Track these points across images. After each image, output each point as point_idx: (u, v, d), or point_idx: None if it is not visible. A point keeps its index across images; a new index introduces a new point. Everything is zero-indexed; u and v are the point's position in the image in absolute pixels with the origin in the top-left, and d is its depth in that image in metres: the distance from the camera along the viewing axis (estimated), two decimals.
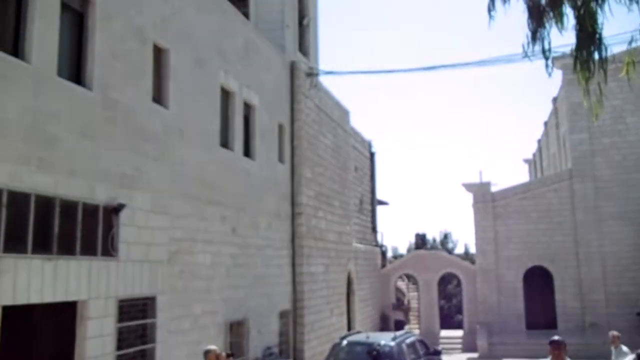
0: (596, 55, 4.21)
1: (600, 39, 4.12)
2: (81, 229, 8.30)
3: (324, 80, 19.84)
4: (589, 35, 4.09)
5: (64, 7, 8.40)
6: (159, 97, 10.65)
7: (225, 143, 13.21)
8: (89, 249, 8.47)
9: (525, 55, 4.37)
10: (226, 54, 13.38)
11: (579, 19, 4.12)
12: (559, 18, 4.23)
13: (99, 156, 8.76)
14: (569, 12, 4.22)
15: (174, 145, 10.88)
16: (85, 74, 8.74)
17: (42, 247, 7.60)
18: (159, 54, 10.73)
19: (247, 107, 14.54)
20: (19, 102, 7.37)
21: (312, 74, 18.36)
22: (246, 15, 17.61)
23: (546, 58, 4.37)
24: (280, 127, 16.51)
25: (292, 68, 17.65)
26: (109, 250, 8.87)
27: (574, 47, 4.24)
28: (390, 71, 16.19)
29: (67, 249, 8.03)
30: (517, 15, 4.56)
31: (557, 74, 23.44)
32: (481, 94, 77.88)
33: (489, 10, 4.47)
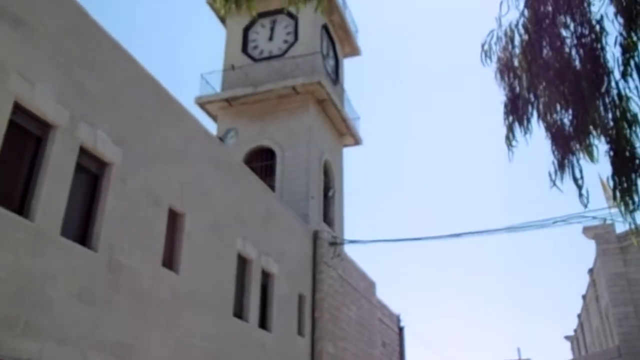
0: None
1: None
2: None
3: (348, 249, 19.43)
4: (626, 161, 3.58)
5: (79, 168, 8.39)
6: (169, 261, 10.22)
7: (239, 313, 12.43)
8: None
9: (554, 184, 3.83)
10: (246, 221, 13.18)
11: (612, 144, 3.65)
12: (588, 149, 3.76)
13: (96, 322, 8.11)
14: (597, 143, 3.77)
15: (182, 313, 10.18)
16: (91, 234, 8.46)
17: None
18: (173, 217, 10.53)
19: (266, 276, 13.96)
20: (14, 261, 6.98)
21: (336, 243, 17.97)
22: (272, 187, 17.87)
23: (579, 187, 3.82)
24: (301, 298, 15.72)
25: (315, 237, 17.34)
26: None
27: (610, 175, 3.71)
28: (416, 239, 15.72)
29: None
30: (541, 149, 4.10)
31: (591, 244, 22.58)
32: (512, 261, 75.90)
33: (508, 140, 4.05)
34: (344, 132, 22.42)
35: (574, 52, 3.69)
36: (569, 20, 3.76)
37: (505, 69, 3.92)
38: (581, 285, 39.06)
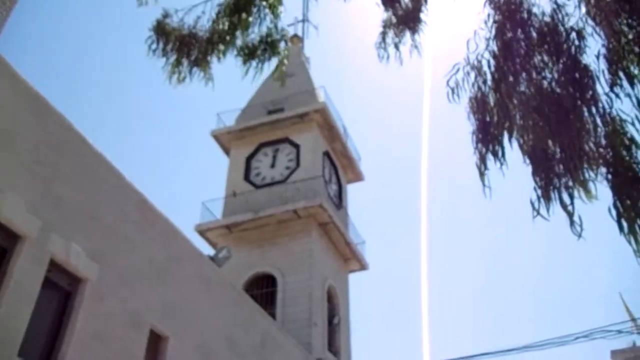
0: None
1: None
2: None
3: None
4: (628, 181, 2.98)
5: (49, 283, 7.78)
6: None
7: None
8: None
9: (537, 213, 3.19)
10: (239, 346, 12.16)
11: (610, 166, 3.07)
12: (583, 185, 3.18)
13: None
14: (593, 177, 3.19)
15: None
16: (55, 356, 7.63)
17: None
18: (155, 340, 9.67)
19: None
20: None
21: None
22: (273, 315, 16.91)
23: (569, 214, 3.17)
24: None
25: None
26: None
27: (611, 204, 3.08)
28: None
29: None
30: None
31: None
32: None
33: (480, 171, 3.47)
34: (349, 256, 21.71)
35: (554, 84, 3.28)
36: (545, 57, 3.40)
37: (476, 101, 3.49)
38: None
